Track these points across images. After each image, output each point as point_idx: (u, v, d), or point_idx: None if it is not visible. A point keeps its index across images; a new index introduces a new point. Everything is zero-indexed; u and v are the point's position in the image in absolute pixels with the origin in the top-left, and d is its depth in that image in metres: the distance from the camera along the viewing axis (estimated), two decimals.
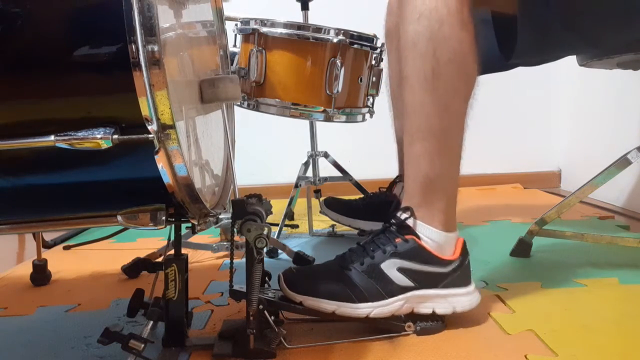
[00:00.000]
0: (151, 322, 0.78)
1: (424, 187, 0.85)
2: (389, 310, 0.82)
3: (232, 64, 1.16)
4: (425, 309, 0.83)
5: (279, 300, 0.83)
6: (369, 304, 0.81)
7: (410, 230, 0.84)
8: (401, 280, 0.82)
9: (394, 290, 0.82)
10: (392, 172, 1.41)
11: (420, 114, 0.83)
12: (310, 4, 1.39)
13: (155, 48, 0.55)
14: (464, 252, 0.86)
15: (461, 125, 0.85)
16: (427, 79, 0.81)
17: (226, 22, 1.00)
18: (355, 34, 1.20)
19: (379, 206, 1.38)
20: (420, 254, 0.83)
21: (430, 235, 0.84)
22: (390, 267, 0.82)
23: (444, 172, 0.85)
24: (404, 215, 0.85)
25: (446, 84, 0.81)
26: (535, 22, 0.92)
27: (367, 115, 1.31)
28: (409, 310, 0.83)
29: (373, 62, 1.27)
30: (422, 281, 0.83)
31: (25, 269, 1.21)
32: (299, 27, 1.19)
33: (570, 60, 1.15)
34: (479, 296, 0.86)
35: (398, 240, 0.83)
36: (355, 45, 1.20)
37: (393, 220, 0.86)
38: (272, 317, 0.79)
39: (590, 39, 0.96)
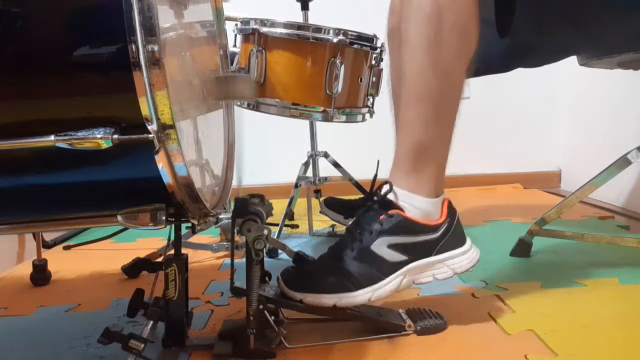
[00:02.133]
0: (151, 322, 0.78)
1: (416, 153, 0.84)
2: (389, 289, 0.81)
3: (232, 64, 1.16)
4: (425, 278, 0.83)
5: (279, 298, 0.82)
6: (368, 288, 0.80)
7: (393, 205, 0.83)
8: (394, 256, 0.81)
9: (389, 268, 0.81)
10: None
11: (419, 77, 0.82)
12: (310, 4, 1.39)
13: (155, 48, 0.55)
14: (451, 212, 0.85)
15: (459, 91, 0.85)
16: (429, 43, 0.81)
17: (226, 22, 1.00)
18: (355, 34, 1.20)
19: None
20: (407, 226, 0.82)
21: (416, 204, 0.83)
22: (381, 246, 0.81)
23: (438, 137, 0.84)
24: (384, 190, 0.84)
25: (449, 48, 0.81)
26: (536, 17, 0.92)
27: (367, 115, 1.31)
28: (410, 283, 0.83)
29: (373, 62, 1.27)
30: (415, 252, 0.82)
31: (25, 269, 1.21)
32: (299, 27, 1.19)
33: (571, 61, 1.15)
34: (477, 252, 0.86)
35: (382, 217, 0.82)
36: (355, 45, 1.20)
37: (375, 198, 0.85)
38: (272, 317, 0.79)
39: (590, 37, 0.96)
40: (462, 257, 0.84)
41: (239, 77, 0.80)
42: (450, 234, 0.84)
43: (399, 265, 0.82)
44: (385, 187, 0.84)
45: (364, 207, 0.86)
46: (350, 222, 0.86)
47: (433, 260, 0.83)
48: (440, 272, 0.83)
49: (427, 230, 0.83)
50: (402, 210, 0.83)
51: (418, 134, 0.83)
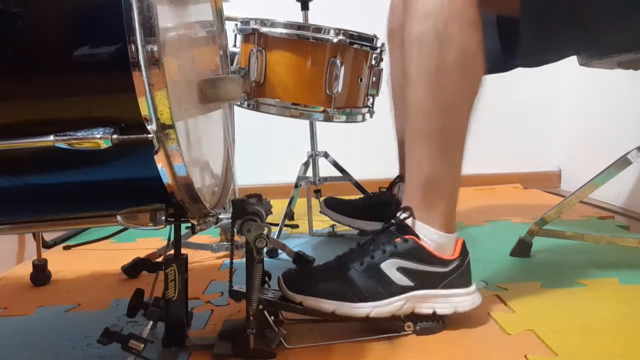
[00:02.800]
0: (151, 322, 0.78)
1: (425, 188, 0.85)
2: (389, 310, 0.82)
3: (232, 64, 1.16)
4: (425, 309, 0.83)
5: (279, 300, 0.83)
6: (369, 303, 0.81)
7: (410, 230, 0.84)
8: (401, 280, 0.82)
9: (394, 290, 0.82)
10: (392, 172, 1.41)
11: (423, 114, 0.83)
12: (310, 4, 1.38)
13: (155, 48, 0.55)
14: (464, 252, 0.86)
15: (464, 127, 0.84)
16: (431, 79, 0.80)
17: (226, 22, 1.00)
18: (355, 34, 1.20)
19: (379, 206, 1.38)
20: (420, 253, 0.83)
21: (429, 235, 0.84)
22: (390, 267, 0.82)
23: (445, 173, 0.85)
24: (403, 215, 0.85)
25: (451, 86, 0.81)
26: (538, 20, 0.92)
27: (367, 115, 1.31)
28: (410, 310, 0.83)
29: (373, 62, 1.27)
30: (422, 281, 0.83)
31: (25, 269, 1.21)
32: (299, 27, 1.19)
33: (571, 60, 1.15)
34: (480, 297, 0.86)
35: (398, 240, 0.83)
36: (355, 45, 1.20)
37: (393, 221, 0.85)
38: (272, 317, 0.79)
39: (591, 36, 0.96)
40: (466, 298, 0.85)
41: (224, 78, 0.80)
42: (459, 273, 0.85)
43: (405, 289, 0.82)
44: (405, 213, 0.84)
45: (382, 227, 0.86)
46: (364, 240, 0.87)
47: (438, 293, 0.83)
48: (441, 307, 0.83)
49: (439, 262, 0.83)
50: (418, 237, 0.83)
51: (425, 170, 0.84)
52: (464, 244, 0.87)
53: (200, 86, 0.76)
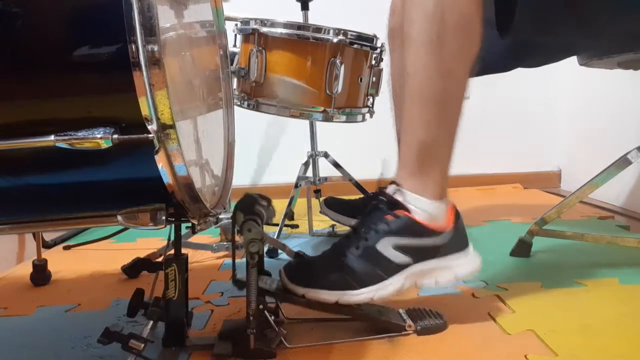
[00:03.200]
0: (151, 322, 0.78)
1: (419, 154, 0.84)
2: (391, 290, 0.81)
3: (232, 64, 1.16)
4: (427, 280, 0.83)
5: (281, 292, 0.82)
6: (370, 287, 0.80)
7: (400, 205, 0.82)
8: (398, 257, 0.81)
9: (393, 269, 0.81)
10: (392, 172, 1.41)
11: (422, 77, 0.82)
12: (310, 4, 1.39)
13: (155, 48, 0.55)
14: (457, 219, 0.85)
15: (462, 91, 0.84)
16: (432, 42, 0.80)
17: (226, 22, 1.00)
18: (355, 34, 1.20)
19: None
20: (414, 228, 0.82)
21: (421, 206, 0.83)
22: (386, 246, 0.81)
23: (441, 139, 0.84)
24: (391, 191, 0.84)
25: (452, 48, 0.80)
26: (536, 20, 0.91)
27: (367, 115, 1.31)
28: (412, 285, 0.82)
29: (373, 62, 1.27)
30: (420, 255, 0.82)
31: (25, 269, 1.21)
32: (299, 27, 1.19)
33: (571, 60, 1.15)
34: (478, 257, 0.86)
35: (389, 217, 0.82)
36: (355, 45, 1.20)
37: (382, 197, 0.84)
38: (272, 317, 0.79)
39: (591, 36, 0.96)
40: (464, 261, 0.84)
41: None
42: (454, 238, 0.84)
43: (403, 266, 0.82)
44: (393, 187, 0.84)
45: (371, 205, 0.85)
46: (356, 221, 0.86)
47: (436, 263, 0.83)
48: (442, 276, 0.83)
49: (433, 233, 0.83)
50: (409, 211, 0.82)
51: (421, 135, 0.83)
52: (456, 211, 0.86)
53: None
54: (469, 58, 0.83)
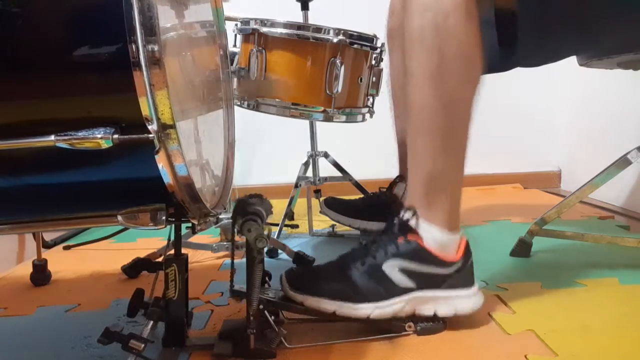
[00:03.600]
0: (151, 322, 0.78)
1: (428, 185, 0.84)
2: (390, 311, 0.82)
3: (232, 64, 1.16)
4: (426, 310, 0.83)
5: (279, 300, 0.83)
6: (370, 304, 0.81)
7: (413, 231, 0.83)
8: (402, 281, 0.82)
9: (395, 291, 0.82)
10: (392, 172, 1.41)
11: (425, 109, 0.82)
12: (310, 4, 1.38)
13: (156, 48, 0.55)
14: (467, 253, 0.86)
15: (466, 121, 0.84)
16: (432, 74, 0.80)
17: (226, 22, 1.00)
18: (355, 34, 1.20)
19: (379, 206, 1.38)
20: (422, 254, 0.82)
21: (432, 235, 0.83)
22: (392, 268, 0.82)
23: (448, 169, 0.84)
24: (406, 215, 0.84)
25: (452, 79, 0.80)
26: (536, 20, 0.92)
27: (367, 115, 1.31)
28: (411, 311, 0.83)
29: (373, 62, 1.27)
30: (424, 282, 0.82)
31: (25, 269, 1.21)
32: (299, 27, 1.19)
33: (571, 61, 1.15)
34: (481, 298, 0.86)
35: (400, 240, 0.83)
36: (355, 45, 1.20)
37: (395, 221, 0.85)
38: (273, 317, 0.79)
39: (590, 37, 0.96)
40: (467, 300, 0.84)
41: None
42: (462, 274, 0.84)
43: (406, 291, 0.82)
44: (409, 213, 0.84)
45: (385, 227, 0.86)
46: (366, 240, 0.87)
47: (439, 294, 0.83)
48: (442, 308, 0.83)
49: (441, 263, 0.83)
50: (421, 238, 0.83)
51: (428, 166, 0.84)
52: (467, 245, 0.86)
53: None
54: (472, 87, 0.83)
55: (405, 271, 0.82)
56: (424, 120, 0.83)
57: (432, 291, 0.83)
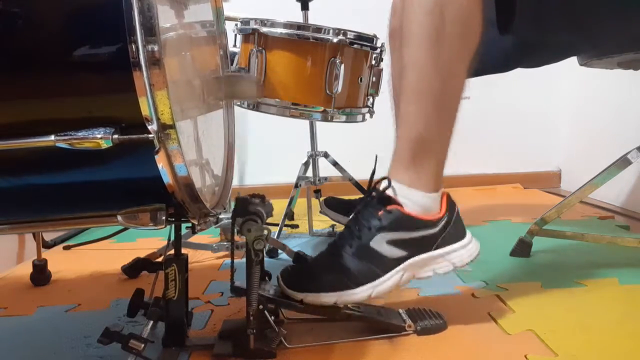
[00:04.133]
0: (151, 322, 0.78)
1: (416, 148, 0.83)
2: (389, 285, 0.81)
3: (232, 64, 1.16)
4: (425, 272, 0.82)
5: (279, 297, 0.82)
6: (368, 285, 0.80)
7: (392, 200, 0.82)
8: (393, 252, 0.81)
9: (389, 264, 0.81)
10: None
11: (421, 73, 0.82)
12: (310, 4, 1.38)
13: (155, 48, 0.55)
14: (451, 206, 0.85)
15: (460, 87, 0.84)
16: (431, 38, 0.80)
17: (226, 22, 1.00)
18: (355, 34, 1.20)
19: None
20: (406, 221, 0.81)
21: (415, 198, 0.82)
22: (380, 243, 0.81)
23: (438, 133, 0.84)
24: (382, 186, 0.83)
25: (450, 43, 0.80)
26: (534, 20, 0.91)
27: (367, 115, 1.31)
28: (410, 278, 0.82)
29: (373, 62, 1.27)
30: (415, 247, 0.82)
31: (25, 269, 1.21)
32: (299, 27, 1.19)
33: (571, 61, 1.15)
34: (477, 245, 0.85)
35: (380, 212, 0.82)
36: (355, 45, 1.20)
37: (373, 193, 0.84)
38: (272, 317, 0.79)
39: (590, 37, 0.96)
40: (462, 251, 0.84)
41: (243, 77, 0.80)
42: (450, 228, 0.84)
43: (399, 261, 0.81)
44: (384, 183, 0.83)
45: (362, 203, 0.85)
46: (349, 219, 0.86)
47: (433, 254, 0.83)
48: (440, 267, 0.83)
49: (426, 225, 0.82)
50: (401, 205, 0.82)
51: (418, 129, 0.83)
52: (449, 198, 0.85)
53: (211, 83, 0.75)
54: (468, 54, 0.83)
55: (393, 242, 0.81)
56: (419, 83, 0.82)
57: (425, 254, 0.82)
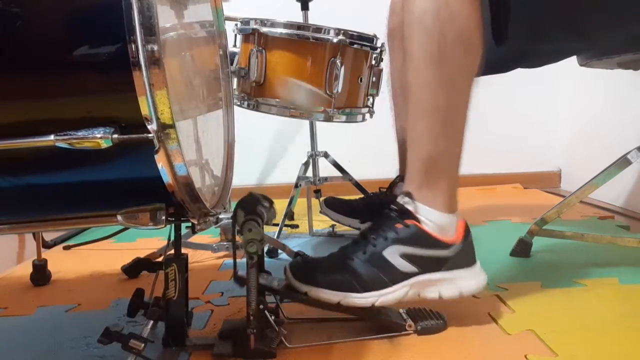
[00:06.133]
0: (151, 322, 0.78)
1: (427, 167, 0.84)
2: (394, 298, 0.81)
3: (232, 64, 1.16)
4: (431, 293, 0.83)
5: (283, 289, 0.82)
6: (374, 292, 0.80)
7: (411, 215, 0.83)
8: (404, 266, 0.82)
9: (398, 277, 0.81)
10: (392, 172, 1.41)
11: (425, 92, 0.82)
12: (310, 4, 1.39)
13: (155, 47, 0.55)
14: (467, 234, 0.86)
15: (466, 104, 0.84)
16: (433, 57, 0.80)
17: (226, 22, 1.00)
18: (355, 34, 1.20)
19: (379, 206, 1.37)
20: (422, 238, 0.82)
21: (431, 217, 0.83)
22: (393, 254, 0.82)
23: (447, 151, 0.84)
24: (403, 200, 0.84)
25: (452, 62, 0.81)
26: (530, 20, 0.91)
27: (367, 115, 1.31)
28: (415, 295, 0.82)
29: (373, 62, 1.27)
30: (426, 266, 0.82)
31: (25, 269, 1.21)
32: (299, 27, 1.19)
33: (571, 61, 1.15)
34: (484, 276, 0.85)
35: (399, 225, 0.82)
36: (355, 45, 1.20)
37: (393, 206, 0.85)
38: (273, 317, 0.79)
39: (589, 38, 0.96)
40: (472, 281, 0.84)
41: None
42: (463, 253, 0.84)
43: (408, 275, 0.82)
44: (405, 197, 0.84)
45: (382, 213, 0.86)
46: (362, 224, 0.87)
47: (442, 276, 0.83)
48: (447, 290, 0.83)
49: (440, 245, 0.83)
50: (418, 222, 0.83)
51: (428, 148, 0.83)
52: (466, 226, 0.86)
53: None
54: (471, 71, 0.83)
55: (406, 256, 0.81)
56: (424, 102, 0.83)
57: (435, 274, 0.83)
